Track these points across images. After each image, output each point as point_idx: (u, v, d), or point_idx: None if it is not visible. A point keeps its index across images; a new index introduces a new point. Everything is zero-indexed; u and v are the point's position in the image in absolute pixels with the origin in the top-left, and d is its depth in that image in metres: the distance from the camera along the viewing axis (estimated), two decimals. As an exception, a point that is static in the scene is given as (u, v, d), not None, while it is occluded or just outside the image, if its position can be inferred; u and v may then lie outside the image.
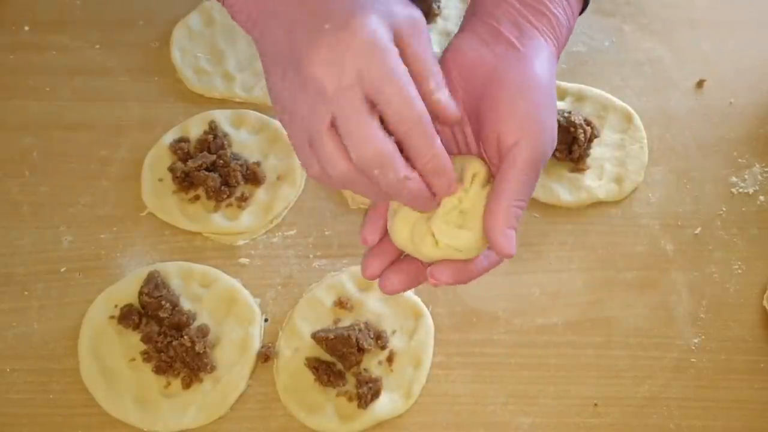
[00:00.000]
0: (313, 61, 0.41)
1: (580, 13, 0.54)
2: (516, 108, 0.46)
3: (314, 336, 0.62)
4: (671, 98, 0.79)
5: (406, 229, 0.47)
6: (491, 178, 0.48)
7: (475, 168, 0.47)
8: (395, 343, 0.63)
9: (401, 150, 0.43)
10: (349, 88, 0.41)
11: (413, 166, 0.43)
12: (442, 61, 0.49)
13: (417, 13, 0.44)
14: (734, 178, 0.73)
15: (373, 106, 0.42)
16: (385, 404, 0.60)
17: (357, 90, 0.41)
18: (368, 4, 0.42)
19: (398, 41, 0.43)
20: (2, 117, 0.76)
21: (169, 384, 0.61)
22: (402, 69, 0.42)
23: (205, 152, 0.71)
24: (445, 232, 0.46)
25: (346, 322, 0.64)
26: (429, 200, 0.45)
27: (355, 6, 0.42)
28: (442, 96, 0.45)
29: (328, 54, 0.41)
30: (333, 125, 0.42)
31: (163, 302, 0.62)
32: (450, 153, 0.44)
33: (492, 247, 0.46)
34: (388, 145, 0.42)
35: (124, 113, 0.76)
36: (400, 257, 0.50)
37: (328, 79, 0.41)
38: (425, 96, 0.43)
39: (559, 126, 0.70)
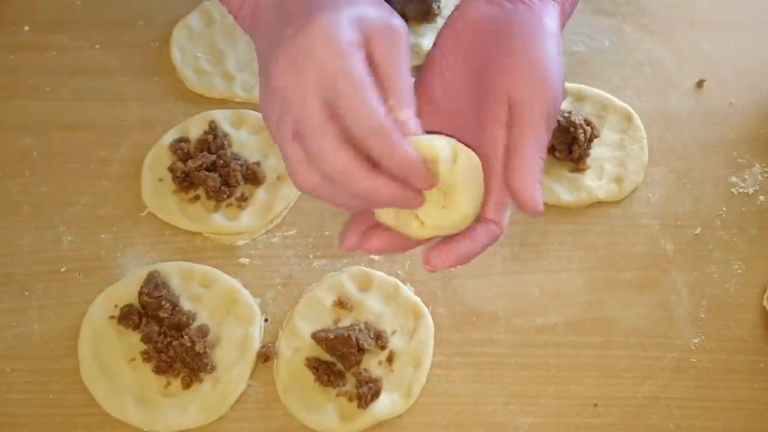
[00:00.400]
0: (275, 71, 0.40)
1: None
2: (530, 57, 0.45)
3: (314, 336, 0.62)
4: (671, 98, 0.79)
5: (389, 212, 0.45)
6: (459, 152, 0.45)
7: (441, 146, 0.44)
8: (395, 343, 0.63)
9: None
10: (306, 96, 0.39)
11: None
12: (450, 18, 0.48)
13: (397, 21, 0.43)
14: (734, 178, 0.73)
15: (334, 113, 0.40)
16: (385, 404, 0.60)
17: (315, 98, 0.39)
18: (331, 6, 0.41)
19: (368, 46, 0.41)
20: (2, 117, 0.76)
21: (169, 384, 0.61)
22: (361, 72, 0.40)
23: (205, 152, 0.71)
24: (431, 214, 0.44)
25: (346, 322, 0.64)
26: (411, 198, 0.43)
27: (314, 7, 0.40)
28: (403, 116, 0.42)
29: (286, 62, 0.40)
30: (296, 136, 0.41)
31: (163, 302, 0.62)
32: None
33: (521, 207, 0.44)
34: (343, 159, 0.40)
35: (124, 113, 0.76)
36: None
37: (289, 88, 0.40)
38: (389, 110, 0.41)
39: (559, 126, 0.70)
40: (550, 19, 0.47)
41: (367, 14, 0.42)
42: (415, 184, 0.42)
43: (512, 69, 0.45)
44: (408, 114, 0.43)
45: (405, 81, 0.42)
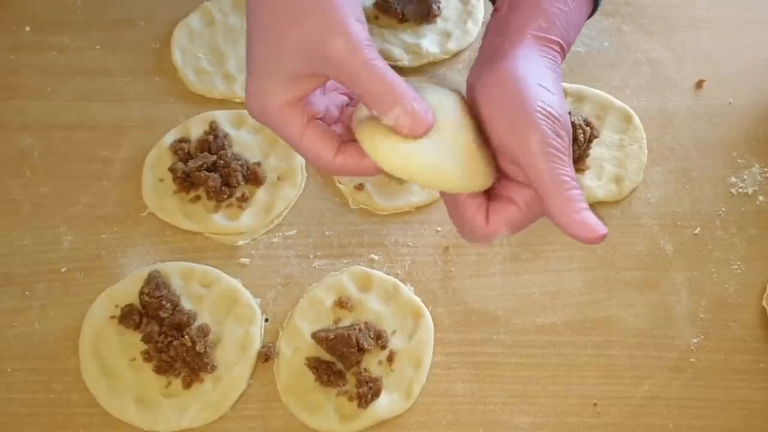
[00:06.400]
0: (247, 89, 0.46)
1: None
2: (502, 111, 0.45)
3: (314, 336, 0.62)
4: (671, 98, 0.79)
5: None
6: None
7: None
8: (395, 342, 0.63)
9: None
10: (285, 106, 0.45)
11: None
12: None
13: (330, 40, 0.42)
14: (733, 178, 0.73)
15: (305, 110, 0.45)
16: (386, 404, 0.60)
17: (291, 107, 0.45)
18: (258, 72, 0.45)
19: (329, 79, 0.46)
20: (3, 117, 0.76)
21: (169, 384, 0.62)
22: (294, 136, 0.46)
23: (205, 152, 0.71)
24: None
25: (346, 322, 0.64)
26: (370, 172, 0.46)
27: (248, 70, 0.46)
28: (389, 120, 0.43)
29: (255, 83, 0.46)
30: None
31: (163, 302, 0.63)
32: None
33: (581, 241, 0.43)
34: (323, 158, 0.46)
35: (125, 113, 0.76)
36: None
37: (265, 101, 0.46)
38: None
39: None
40: (517, 60, 0.46)
41: (297, 68, 0.44)
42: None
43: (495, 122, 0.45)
44: (393, 117, 0.42)
45: (372, 88, 0.42)
